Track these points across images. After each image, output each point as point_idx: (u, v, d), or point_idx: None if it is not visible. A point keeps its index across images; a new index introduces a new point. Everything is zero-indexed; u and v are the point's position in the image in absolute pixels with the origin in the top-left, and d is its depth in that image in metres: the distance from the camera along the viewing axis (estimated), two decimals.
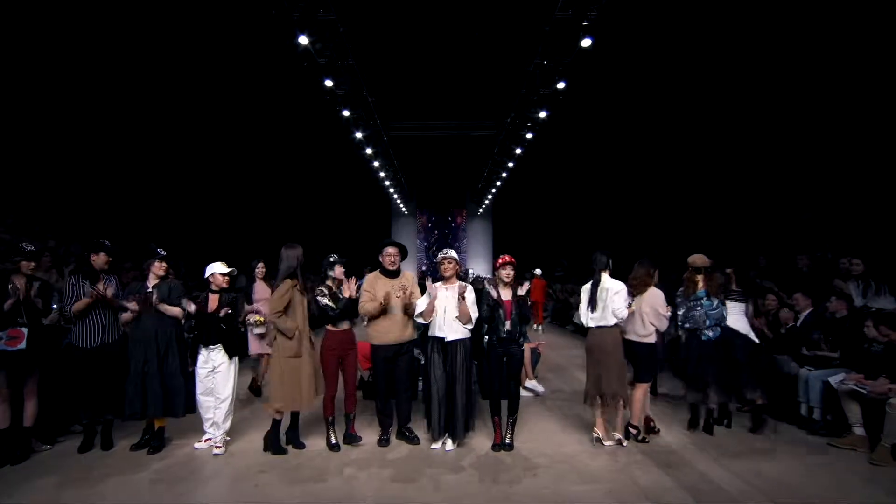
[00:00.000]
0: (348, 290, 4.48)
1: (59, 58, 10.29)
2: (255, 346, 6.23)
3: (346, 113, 12.32)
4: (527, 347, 6.48)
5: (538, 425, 5.19)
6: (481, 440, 4.66)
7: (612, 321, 4.45)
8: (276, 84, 12.82)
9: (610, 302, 4.42)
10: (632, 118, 14.30)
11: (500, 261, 4.58)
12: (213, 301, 4.54)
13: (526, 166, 17.26)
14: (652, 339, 4.70)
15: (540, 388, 6.49)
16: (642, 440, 4.59)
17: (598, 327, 4.50)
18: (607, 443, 4.52)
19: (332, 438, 4.55)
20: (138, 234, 11.37)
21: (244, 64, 11.91)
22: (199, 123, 13.73)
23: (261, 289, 6.41)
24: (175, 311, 4.53)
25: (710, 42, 10.62)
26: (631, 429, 4.62)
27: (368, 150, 15.01)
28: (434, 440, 4.53)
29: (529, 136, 13.88)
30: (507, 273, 4.49)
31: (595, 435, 4.56)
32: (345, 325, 4.54)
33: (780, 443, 4.66)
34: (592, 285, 4.56)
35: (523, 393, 6.38)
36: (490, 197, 22.58)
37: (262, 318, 5.53)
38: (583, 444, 4.63)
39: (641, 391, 4.65)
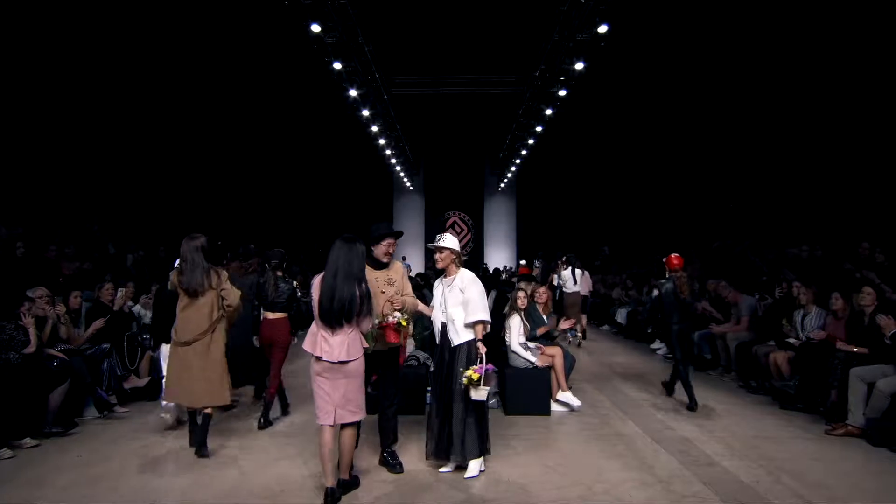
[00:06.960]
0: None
1: (42, 37, 10.48)
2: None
3: (337, 65, 12.05)
4: (558, 353, 6.35)
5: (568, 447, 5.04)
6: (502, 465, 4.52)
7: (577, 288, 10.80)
8: (253, 31, 12.64)
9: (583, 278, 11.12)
10: (691, 70, 13.84)
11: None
12: None
13: (558, 131, 16.93)
14: None
15: (575, 402, 6.27)
16: None
17: (573, 293, 10.76)
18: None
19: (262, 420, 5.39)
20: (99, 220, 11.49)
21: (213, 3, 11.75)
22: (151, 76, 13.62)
23: None
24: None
25: None
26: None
27: (365, 112, 14.76)
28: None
29: (563, 93, 13.48)
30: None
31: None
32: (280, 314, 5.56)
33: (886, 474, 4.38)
34: (580, 269, 11.05)
35: (555, 407, 6.23)
36: (514, 169, 22.24)
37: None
38: (628, 469, 4.42)
39: None
